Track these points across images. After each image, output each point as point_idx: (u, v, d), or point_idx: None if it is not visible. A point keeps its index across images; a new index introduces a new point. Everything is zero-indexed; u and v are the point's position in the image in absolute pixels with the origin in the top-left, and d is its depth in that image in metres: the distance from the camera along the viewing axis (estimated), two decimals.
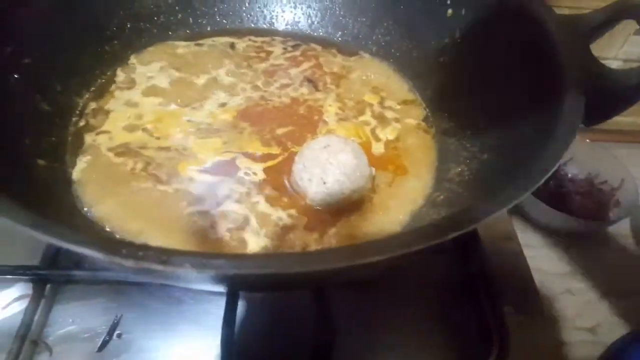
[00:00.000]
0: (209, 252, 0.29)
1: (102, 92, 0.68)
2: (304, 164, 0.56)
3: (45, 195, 0.51)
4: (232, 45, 0.77)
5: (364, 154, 0.58)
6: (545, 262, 0.82)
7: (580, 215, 0.84)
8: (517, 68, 0.54)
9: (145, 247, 0.30)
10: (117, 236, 0.51)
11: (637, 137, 0.99)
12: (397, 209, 0.58)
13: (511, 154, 0.49)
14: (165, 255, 0.29)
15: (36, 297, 0.56)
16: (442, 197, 0.57)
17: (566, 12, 0.61)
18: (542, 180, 0.37)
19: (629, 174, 0.83)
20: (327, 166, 0.54)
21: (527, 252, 0.69)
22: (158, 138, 0.63)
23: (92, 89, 0.68)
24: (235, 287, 0.49)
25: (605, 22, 0.51)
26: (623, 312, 0.78)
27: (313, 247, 0.53)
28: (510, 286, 0.62)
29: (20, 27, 0.57)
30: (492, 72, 0.58)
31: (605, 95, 0.47)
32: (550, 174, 0.38)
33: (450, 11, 0.66)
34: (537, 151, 0.41)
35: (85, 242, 0.30)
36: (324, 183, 0.54)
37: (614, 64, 0.97)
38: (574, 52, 0.49)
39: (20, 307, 0.56)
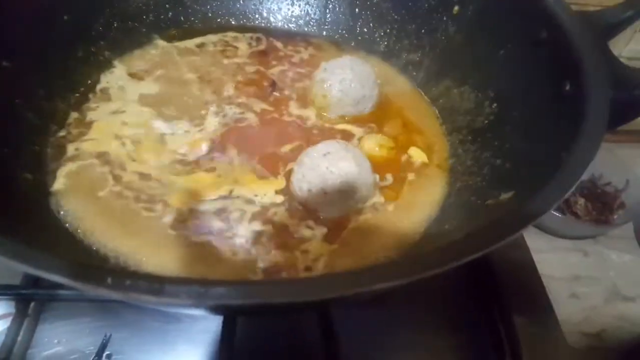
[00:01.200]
0: (207, 280, 0.25)
1: (85, 101, 0.63)
2: (303, 173, 0.52)
3: (25, 209, 0.48)
4: (224, 49, 0.73)
5: (366, 160, 0.54)
6: (549, 266, 0.80)
7: (584, 218, 0.82)
8: (535, 69, 0.52)
9: (133, 275, 0.27)
10: (103, 253, 0.48)
11: None
12: (415, 211, 0.55)
13: (530, 160, 0.46)
14: (157, 284, 0.26)
15: (19, 316, 0.52)
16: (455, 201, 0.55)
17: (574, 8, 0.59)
18: (563, 198, 0.34)
19: (634, 175, 0.81)
20: (327, 175, 0.51)
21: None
22: (135, 160, 0.58)
23: (77, 95, 0.63)
24: (235, 313, 0.46)
25: (622, 20, 0.49)
26: (629, 317, 0.76)
27: (327, 257, 0.50)
28: (521, 295, 0.59)
29: None
30: (508, 71, 0.56)
31: (627, 96, 0.44)
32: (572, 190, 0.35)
33: (456, 8, 0.63)
34: (559, 162, 0.38)
35: (60, 269, 0.27)
36: (325, 194, 0.51)
37: None
38: (593, 51, 0.46)
39: (1, 327, 0.52)
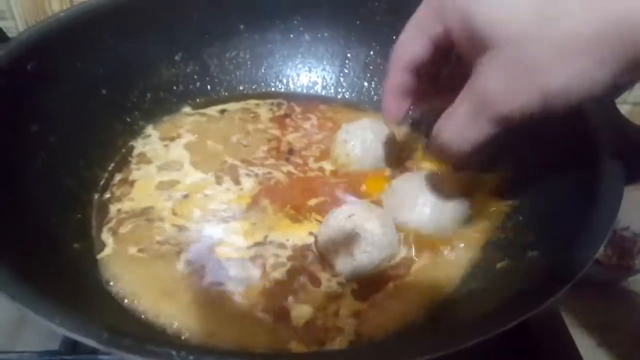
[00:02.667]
0: (267, 354, 0.27)
1: (125, 165, 0.67)
2: (329, 235, 0.54)
3: (70, 277, 0.50)
4: (252, 114, 0.78)
5: (391, 219, 0.56)
6: (573, 314, 0.79)
7: (602, 264, 0.82)
8: (543, 131, 0.54)
9: (197, 350, 0.28)
10: (147, 319, 0.49)
11: None
12: (442, 268, 0.56)
13: (551, 218, 0.48)
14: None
15: None
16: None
17: None
18: (595, 257, 0.36)
19: None
20: (353, 237, 0.52)
21: None
22: (177, 214, 0.61)
23: (113, 164, 0.67)
24: None
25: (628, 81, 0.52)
26: None
27: (358, 317, 0.51)
28: (551, 349, 0.59)
29: (46, 105, 0.57)
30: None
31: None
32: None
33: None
34: (582, 221, 0.40)
35: (131, 347, 0.29)
36: (351, 256, 0.52)
37: (623, 108, 0.98)
38: (603, 111, 0.49)
39: None
